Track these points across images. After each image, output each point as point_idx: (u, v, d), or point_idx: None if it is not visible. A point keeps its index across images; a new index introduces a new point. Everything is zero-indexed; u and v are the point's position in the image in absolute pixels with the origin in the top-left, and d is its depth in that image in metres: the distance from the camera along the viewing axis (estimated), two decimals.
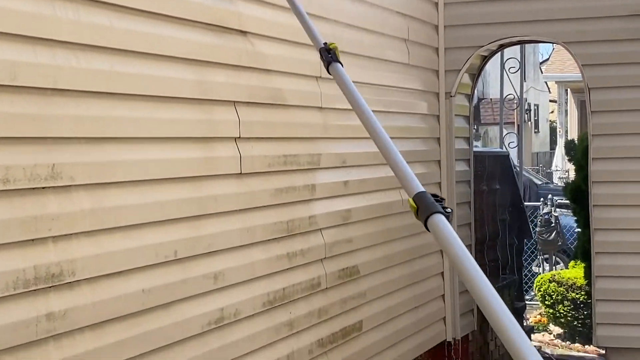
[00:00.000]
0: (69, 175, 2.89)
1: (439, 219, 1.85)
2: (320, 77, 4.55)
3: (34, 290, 2.75)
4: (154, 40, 3.32)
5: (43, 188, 2.79)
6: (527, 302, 9.36)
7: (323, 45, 2.71)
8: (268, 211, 4.06)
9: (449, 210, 1.89)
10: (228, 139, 3.79)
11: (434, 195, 1.91)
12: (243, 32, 3.87)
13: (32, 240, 2.75)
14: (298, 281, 4.31)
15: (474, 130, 24.73)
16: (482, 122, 28.20)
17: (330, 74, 2.65)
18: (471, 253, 6.10)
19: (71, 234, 2.90)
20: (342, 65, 2.64)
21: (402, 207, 5.52)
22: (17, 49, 2.69)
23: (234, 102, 3.82)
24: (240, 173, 3.84)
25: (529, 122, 31.87)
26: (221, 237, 3.70)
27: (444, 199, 1.92)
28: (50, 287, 2.80)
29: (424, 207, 1.88)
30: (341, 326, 4.72)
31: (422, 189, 1.96)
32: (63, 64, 2.86)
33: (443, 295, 6.23)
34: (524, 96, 27.10)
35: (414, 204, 1.89)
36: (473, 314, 6.65)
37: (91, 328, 2.99)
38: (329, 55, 2.79)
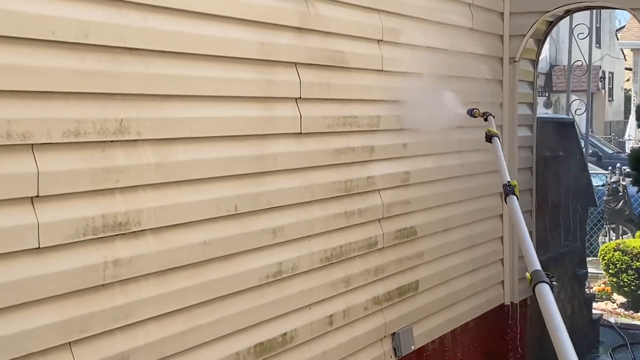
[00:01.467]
0: (136, 130, 3.07)
1: (544, 288, 2.42)
2: (382, 40, 4.66)
3: (102, 237, 2.94)
4: (219, 2, 3.46)
5: (111, 142, 2.97)
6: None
7: (507, 182, 3.47)
8: (327, 171, 4.21)
9: (554, 283, 2.36)
10: (289, 99, 3.93)
11: (547, 274, 2.49)
12: None
13: (101, 190, 2.93)
14: (355, 239, 4.46)
15: (546, 98, 24.25)
16: (553, 89, 27.89)
17: (506, 203, 3.43)
18: (533, 219, 6.20)
19: (137, 186, 3.09)
20: (517, 199, 3.39)
21: (461, 170, 5.62)
22: (88, 9, 2.87)
23: (295, 63, 3.96)
24: (300, 133, 3.98)
25: (603, 90, 31.40)
26: (281, 194, 3.86)
27: (554, 277, 2.36)
28: (117, 235, 3.00)
29: (535, 278, 2.47)
30: (397, 285, 4.86)
31: (539, 267, 2.41)
32: (132, 23, 3.03)
33: (502, 259, 6.32)
34: (599, 63, 26.62)
35: (529, 276, 2.45)
36: None
37: (155, 275, 3.18)
38: (508, 189, 3.43)
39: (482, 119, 4.45)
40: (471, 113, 4.49)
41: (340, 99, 4.33)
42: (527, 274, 2.53)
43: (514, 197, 3.41)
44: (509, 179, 3.55)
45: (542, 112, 19.62)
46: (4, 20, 2.57)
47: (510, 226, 6.28)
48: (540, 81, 27.47)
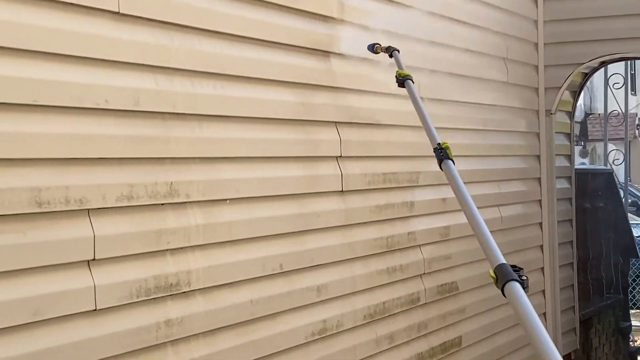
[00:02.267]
0: (185, 193, 3.21)
1: (514, 286, 2.11)
2: (422, 98, 4.79)
3: (154, 298, 3.07)
4: (260, 66, 3.62)
5: (162, 204, 3.11)
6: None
7: (437, 145, 3.19)
8: (368, 227, 4.33)
9: (524, 278, 2.15)
10: (330, 157, 4.07)
11: (513, 266, 2.18)
12: (341, 55, 4.14)
13: (153, 252, 3.07)
14: (398, 295, 4.55)
15: (581, 147, 24.17)
16: (589, 137, 27.90)
17: (442, 169, 3.16)
18: (574, 272, 6.24)
19: (187, 247, 3.22)
20: (453, 163, 3.11)
21: (501, 224, 5.72)
22: (139, 77, 3.03)
23: (335, 122, 4.11)
24: (342, 190, 4.11)
25: (639, 137, 31.33)
26: (324, 251, 3.98)
27: (522, 269, 2.18)
28: (168, 295, 3.12)
29: (502, 276, 2.15)
30: (440, 341, 4.94)
31: (503, 260, 2.23)
32: (180, 89, 3.20)
33: (544, 313, 6.37)
34: (636, 111, 26.57)
35: (493, 275, 2.16)
36: (575, 333, 6.77)
37: (204, 335, 3.30)
38: (440, 153, 3.17)
39: (387, 55, 3.88)
40: (372, 49, 3.93)
41: (380, 156, 4.46)
42: (491, 271, 2.26)
43: (450, 161, 3.07)
44: (439, 141, 3.20)
45: (578, 161, 19.66)
46: (61, 92, 2.74)
47: (552, 280, 6.34)
48: (576, 130, 27.54)
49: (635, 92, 29.61)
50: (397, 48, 4.04)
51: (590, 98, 28.24)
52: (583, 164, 20.59)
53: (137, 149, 3.01)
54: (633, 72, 29.41)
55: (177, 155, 3.19)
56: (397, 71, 3.76)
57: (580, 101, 26.35)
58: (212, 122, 3.37)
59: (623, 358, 8.12)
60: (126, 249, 2.96)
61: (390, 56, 3.92)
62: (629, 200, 16.37)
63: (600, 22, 6.31)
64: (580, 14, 6.34)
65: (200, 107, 3.30)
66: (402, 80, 3.67)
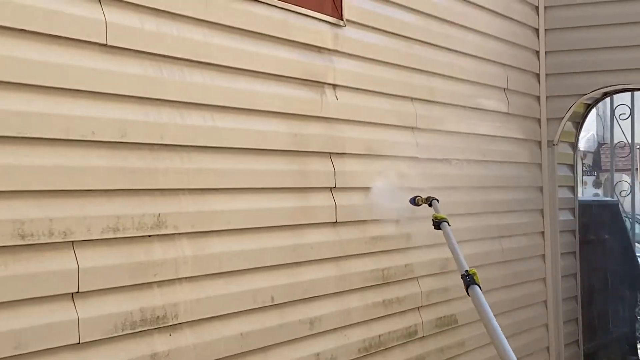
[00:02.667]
0: (173, 224, 3.22)
1: None
2: (416, 127, 4.82)
3: (140, 331, 3.07)
4: (252, 96, 3.65)
5: (149, 236, 3.13)
6: None
7: (464, 272, 3.52)
8: (363, 259, 4.33)
9: None
10: (324, 188, 4.08)
11: None
12: (336, 85, 4.17)
13: (139, 284, 3.08)
14: (394, 329, 4.55)
15: (595, 177, 24.01)
16: (602, 168, 27.86)
17: (469, 295, 3.49)
18: (578, 305, 6.22)
19: (174, 279, 3.23)
20: (480, 289, 3.44)
21: (502, 256, 5.71)
22: (127, 109, 3.05)
23: (330, 153, 4.12)
24: (336, 222, 4.12)
25: None
26: (317, 283, 3.98)
27: None
28: (155, 328, 3.13)
29: None
30: None
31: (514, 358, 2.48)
32: (169, 121, 3.22)
33: (547, 347, 6.35)
34: None
35: None
36: None
37: None
38: (468, 279, 3.49)
39: (427, 204, 4.33)
40: (414, 202, 4.38)
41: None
42: None
43: (477, 286, 3.41)
44: (467, 268, 3.52)
45: (591, 192, 19.58)
46: (47, 124, 2.76)
47: (556, 313, 6.32)
48: (589, 160, 27.47)
49: None
50: (437, 198, 4.37)
51: (603, 127, 28.21)
52: (597, 194, 20.54)
53: (124, 180, 3.02)
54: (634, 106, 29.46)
55: (165, 187, 3.20)
56: (433, 214, 4.16)
57: (593, 131, 26.37)
58: (202, 153, 3.39)
59: None
60: (111, 281, 2.96)
61: (430, 205, 4.30)
62: (638, 232, 16.29)
63: (603, 53, 6.33)
64: (583, 45, 6.37)
65: (190, 138, 3.32)
66: (439, 222, 4.08)
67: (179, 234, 3.26)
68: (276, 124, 3.80)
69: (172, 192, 3.24)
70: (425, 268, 4.85)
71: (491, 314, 3.09)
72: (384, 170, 4.52)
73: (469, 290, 3.44)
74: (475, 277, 3.49)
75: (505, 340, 2.83)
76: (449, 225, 4.07)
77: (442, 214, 4.17)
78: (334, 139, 4.15)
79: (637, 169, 9.71)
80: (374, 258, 4.41)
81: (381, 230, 4.47)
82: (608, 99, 8.02)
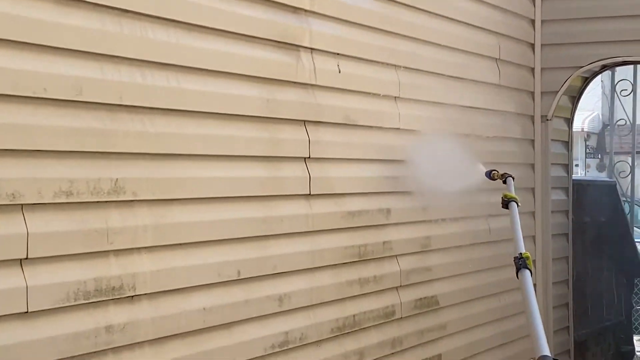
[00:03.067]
0: (132, 190, 3.22)
1: None
2: (399, 97, 4.81)
3: (95, 302, 3.08)
4: (221, 58, 3.64)
5: (106, 202, 3.12)
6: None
7: (519, 254, 3.54)
8: (339, 235, 4.33)
9: None
10: (297, 158, 4.08)
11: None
12: (313, 50, 4.16)
13: (94, 252, 3.08)
14: (370, 309, 4.56)
15: (599, 160, 24.04)
16: (607, 150, 27.90)
17: (517, 278, 3.49)
18: (569, 290, 6.24)
19: (133, 249, 3.23)
20: (531, 273, 3.47)
21: (489, 236, 5.73)
22: (83, 65, 3.04)
23: (304, 121, 4.12)
24: (310, 194, 4.12)
25: None
26: (288, 258, 3.99)
27: None
28: (110, 300, 3.13)
29: None
30: (417, 359, 4.94)
31: (548, 352, 2.47)
32: (129, 80, 3.21)
33: None
34: None
35: None
36: (570, 355, 6.76)
37: (151, 343, 3.30)
38: (519, 262, 3.50)
39: (501, 181, 4.49)
40: (489, 175, 4.53)
41: (355, 159, 4.47)
42: None
43: (527, 271, 3.45)
44: (523, 250, 3.57)
45: (595, 175, 19.59)
46: None
47: (545, 297, 6.35)
48: (592, 142, 27.50)
49: None
50: (512, 175, 4.46)
51: (609, 107, 28.26)
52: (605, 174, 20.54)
53: (79, 142, 3.02)
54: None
55: (124, 150, 3.20)
56: (504, 192, 4.24)
57: (598, 111, 26.37)
58: (165, 116, 3.38)
59: None
60: (63, 248, 2.97)
61: (504, 182, 4.37)
62: None
63: (603, 23, 6.32)
64: (582, 14, 6.36)
65: (152, 100, 3.31)
66: (507, 202, 4.14)
67: (139, 200, 3.26)
68: (247, 88, 3.79)
69: (131, 157, 3.24)
70: (405, 246, 4.86)
71: (535, 304, 3.13)
72: (363, 141, 4.52)
73: (519, 274, 3.48)
74: (528, 262, 3.52)
75: (542, 330, 2.87)
76: (518, 205, 4.09)
77: (513, 194, 4.19)
78: (309, 106, 4.14)
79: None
80: (350, 234, 4.42)
81: (359, 204, 4.47)
82: (609, 73, 8.03)
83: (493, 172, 4.51)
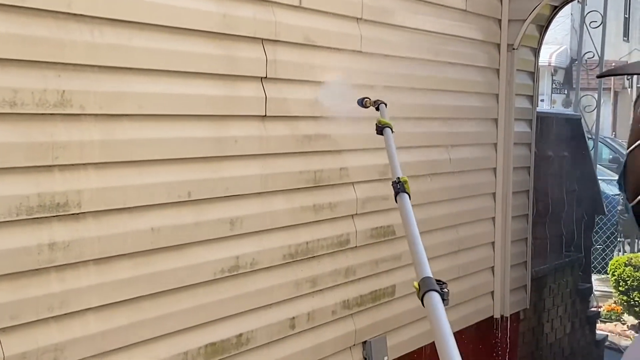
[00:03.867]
0: (79, 104, 3.20)
1: (433, 297, 2.51)
2: (362, 18, 4.79)
3: (37, 218, 3.07)
4: None
5: (51, 114, 3.10)
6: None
7: (396, 179, 3.64)
8: (294, 159, 4.34)
9: (445, 290, 2.56)
10: (253, 78, 4.06)
11: (438, 281, 2.58)
12: None
13: (38, 166, 3.06)
14: (324, 236, 4.59)
15: (565, 96, 24.24)
16: (574, 86, 28.08)
17: (396, 202, 3.61)
18: (529, 224, 6.32)
19: (79, 164, 3.22)
20: (409, 197, 3.57)
21: (450, 166, 5.77)
22: None
23: (262, 39, 4.09)
24: (265, 115, 4.12)
25: (630, 89, 31.59)
26: (240, 181, 4.00)
27: (445, 283, 2.59)
28: (54, 216, 3.13)
29: (424, 286, 2.56)
30: (371, 289, 5.00)
31: (429, 274, 2.63)
32: None
33: (492, 268, 6.47)
34: (626, 59, 26.73)
35: (416, 285, 2.58)
36: (526, 291, 6.88)
37: (96, 262, 3.31)
38: (397, 186, 3.61)
39: (374, 108, 4.49)
40: (362, 103, 4.52)
41: (312, 81, 4.46)
42: (415, 283, 2.63)
43: (406, 194, 3.59)
44: (400, 175, 3.69)
45: (561, 110, 19.75)
46: None
47: (503, 231, 6.43)
48: (559, 77, 27.67)
49: (627, 39, 29.78)
50: (385, 102, 4.45)
51: (577, 41, 28.37)
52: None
53: (23, 49, 2.98)
54: (627, 15, 29.56)
55: (71, 61, 3.17)
56: (378, 119, 4.28)
57: (566, 45, 26.47)
58: (116, 27, 3.35)
59: (580, 322, 8.29)
60: (5, 161, 2.95)
61: (377, 109, 4.42)
62: (610, 156, 16.56)
63: None
64: None
65: (102, 10, 3.27)
66: (382, 128, 4.21)
67: (86, 114, 3.24)
68: (203, 2, 3.76)
69: (79, 68, 3.21)
70: (362, 173, 4.89)
71: (415, 227, 3.20)
72: (323, 63, 4.50)
73: (397, 198, 3.58)
74: (405, 185, 3.62)
75: (424, 254, 2.92)
76: (392, 131, 4.17)
77: (386, 120, 4.27)
78: (267, 24, 4.12)
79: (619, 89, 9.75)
80: (305, 158, 4.43)
81: (316, 128, 4.48)
82: (579, 6, 8.04)
83: (365, 99, 4.53)
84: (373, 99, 4.54)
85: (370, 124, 4.86)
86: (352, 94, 4.58)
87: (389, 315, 5.18)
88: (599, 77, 2.99)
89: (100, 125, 3.30)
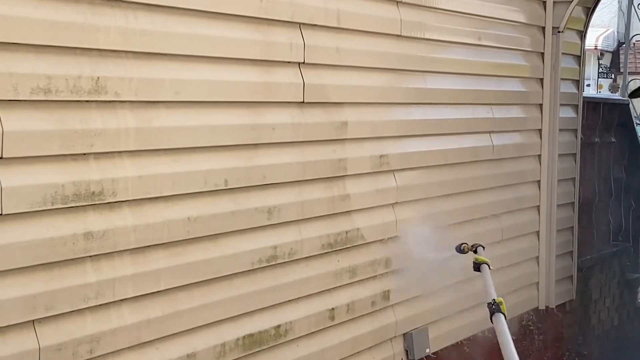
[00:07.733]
0: (114, 91, 3.21)
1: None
2: (401, 1, 4.77)
3: (73, 207, 3.09)
4: None
5: (86, 101, 3.12)
6: None
7: (492, 300, 3.79)
8: (332, 146, 4.33)
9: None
10: (291, 63, 4.06)
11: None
12: None
13: (73, 155, 3.09)
14: (364, 225, 4.58)
15: (612, 80, 23.99)
16: (621, 70, 27.83)
17: (492, 322, 3.72)
18: (575, 213, 6.28)
19: (114, 152, 3.24)
20: (505, 318, 3.70)
21: (492, 153, 5.75)
22: None
23: (300, 23, 4.09)
24: (303, 102, 4.11)
25: None
26: (278, 169, 4.00)
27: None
28: (89, 205, 3.15)
29: None
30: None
31: None
32: None
33: (537, 257, 6.43)
34: None
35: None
36: (572, 281, 6.84)
37: (131, 252, 3.34)
38: (493, 307, 3.73)
39: (472, 252, 4.60)
40: (460, 249, 4.64)
41: (351, 66, 4.44)
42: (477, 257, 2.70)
43: (502, 314, 3.70)
44: (495, 297, 3.82)
45: (607, 95, 19.59)
46: None
47: (548, 220, 6.39)
48: (606, 61, 27.44)
49: None
50: (482, 244, 4.59)
51: (625, 26, 28.08)
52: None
53: (57, 36, 3.00)
54: None
55: (106, 47, 3.19)
56: (475, 257, 4.44)
57: (613, 28, 26.24)
58: (151, 12, 3.36)
59: (628, 313, 8.23)
60: (40, 149, 2.97)
61: (475, 252, 4.56)
62: None
63: None
64: None
65: None
66: (479, 265, 4.34)
67: (121, 101, 3.26)
68: None
69: (114, 54, 3.23)
70: (402, 161, 4.87)
71: (512, 344, 3.44)
72: (362, 48, 4.49)
73: (493, 318, 3.72)
74: (502, 307, 3.75)
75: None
76: (489, 268, 4.31)
77: (483, 257, 4.42)
78: (304, 8, 4.11)
79: None
80: (344, 146, 4.42)
81: (354, 116, 4.46)
82: None
83: (463, 245, 4.65)
84: (470, 244, 4.65)
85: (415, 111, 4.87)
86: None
87: (430, 306, 5.17)
88: None
89: (135, 113, 3.32)
